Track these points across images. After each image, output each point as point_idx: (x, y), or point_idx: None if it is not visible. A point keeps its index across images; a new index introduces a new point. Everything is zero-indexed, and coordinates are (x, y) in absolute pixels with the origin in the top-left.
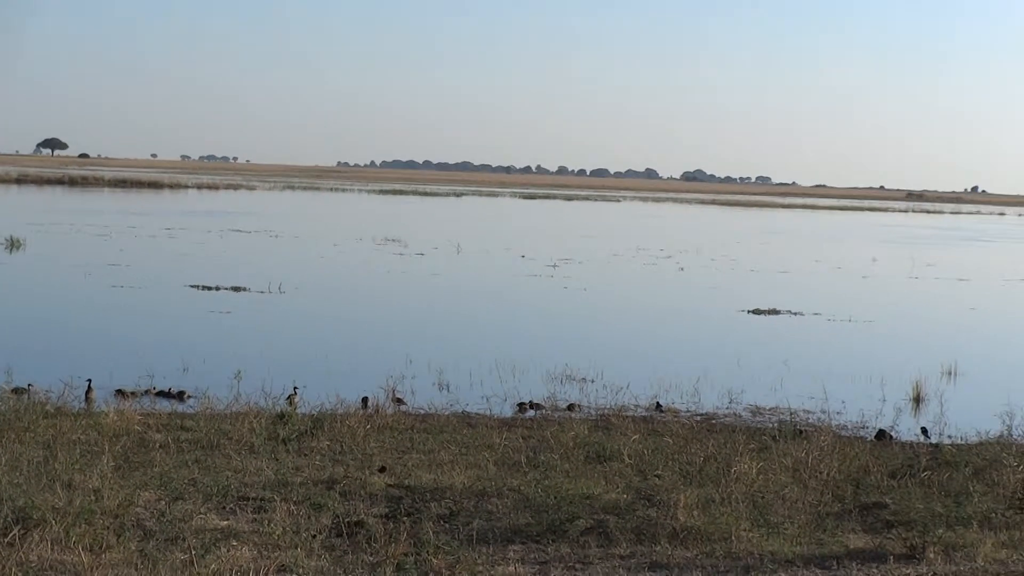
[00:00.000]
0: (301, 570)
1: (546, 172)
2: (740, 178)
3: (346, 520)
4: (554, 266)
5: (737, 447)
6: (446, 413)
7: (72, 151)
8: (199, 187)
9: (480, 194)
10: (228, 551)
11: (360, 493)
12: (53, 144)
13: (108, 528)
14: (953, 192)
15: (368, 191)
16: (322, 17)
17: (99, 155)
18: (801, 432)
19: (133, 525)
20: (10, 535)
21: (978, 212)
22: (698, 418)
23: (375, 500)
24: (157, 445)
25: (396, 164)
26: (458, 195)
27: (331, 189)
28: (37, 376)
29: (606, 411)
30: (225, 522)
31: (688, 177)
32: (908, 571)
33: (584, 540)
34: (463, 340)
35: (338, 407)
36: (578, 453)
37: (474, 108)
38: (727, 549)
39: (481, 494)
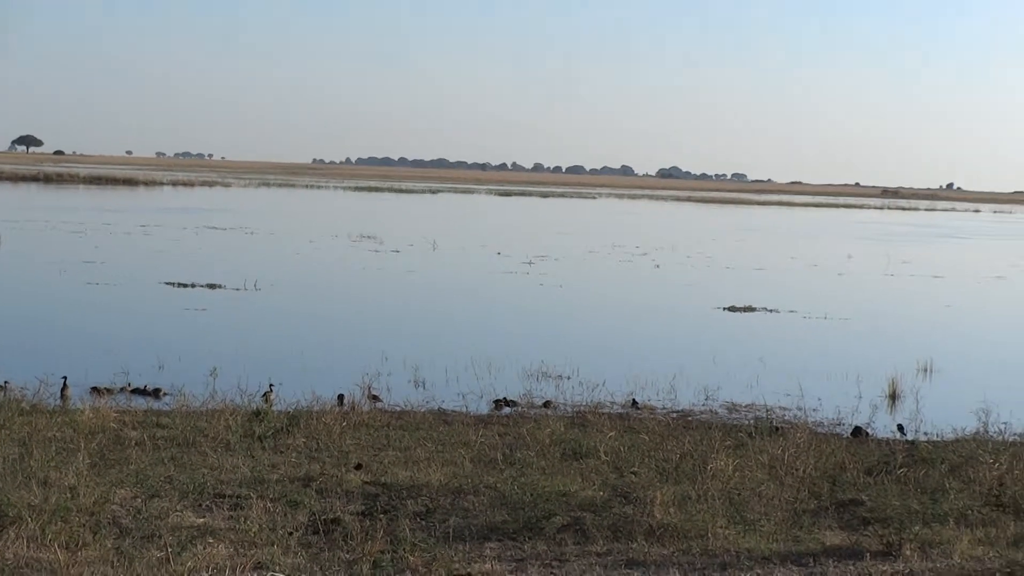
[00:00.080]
0: (277, 567)
1: (522, 169)
2: (715, 175)
3: (322, 517)
4: (530, 263)
5: (713, 444)
6: (422, 410)
7: (47, 148)
8: (174, 184)
9: (456, 191)
10: (204, 548)
11: (336, 490)
12: (28, 141)
13: (84, 526)
14: (928, 189)
15: (343, 188)
16: (298, 14)
17: (74, 152)
18: (777, 429)
19: (109, 522)
20: None
21: (953, 209)
22: (674, 415)
23: (351, 497)
24: (133, 442)
25: (371, 161)
26: (434, 192)
27: (306, 186)
28: (12, 373)
29: (582, 408)
30: (201, 519)
31: (663, 174)
32: (885, 568)
33: (561, 537)
34: (439, 337)
35: (314, 404)
36: (554, 450)
37: (450, 105)
38: (704, 546)
39: (457, 491)
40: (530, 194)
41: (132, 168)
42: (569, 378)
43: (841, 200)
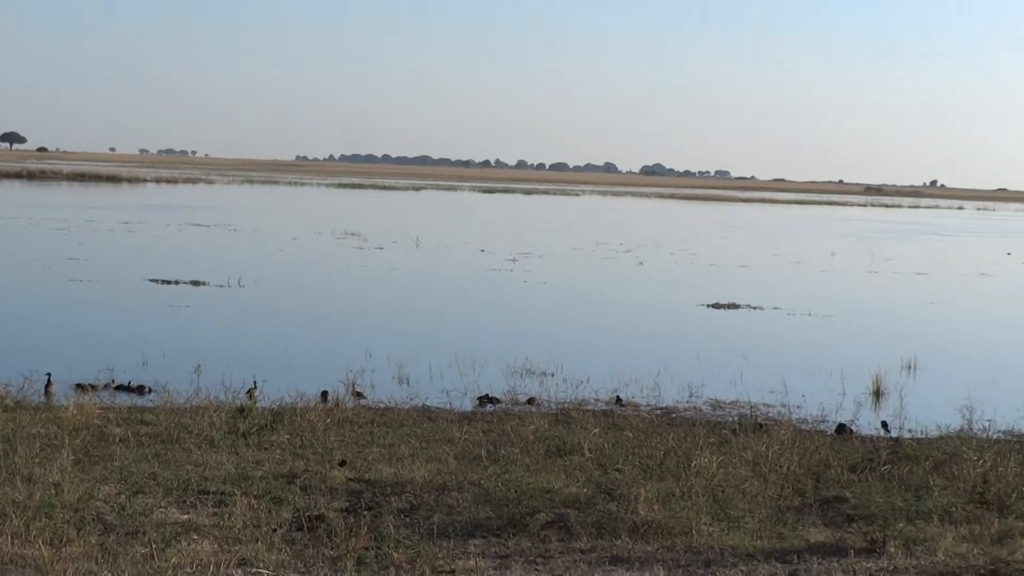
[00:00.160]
0: (262, 564)
1: (505, 166)
2: (699, 172)
3: (307, 514)
4: (514, 260)
5: (697, 441)
6: (406, 407)
7: (30, 145)
8: (157, 181)
9: (439, 188)
10: (188, 545)
11: (320, 487)
12: (11, 138)
13: (68, 522)
14: (912, 186)
15: (327, 185)
16: (281, 11)
17: (57, 149)
18: (761, 426)
19: (93, 519)
20: None
21: (936, 206)
22: (658, 412)
23: (335, 494)
24: (117, 439)
25: (355, 158)
26: (417, 189)
27: (290, 183)
28: None
29: (566, 405)
30: (185, 516)
31: (647, 171)
32: (869, 565)
33: (545, 534)
34: (423, 334)
35: (298, 401)
36: (538, 447)
37: (433, 102)
38: (688, 543)
39: (441, 488)
40: (513, 191)
41: (115, 165)
42: (553, 375)
43: (824, 197)
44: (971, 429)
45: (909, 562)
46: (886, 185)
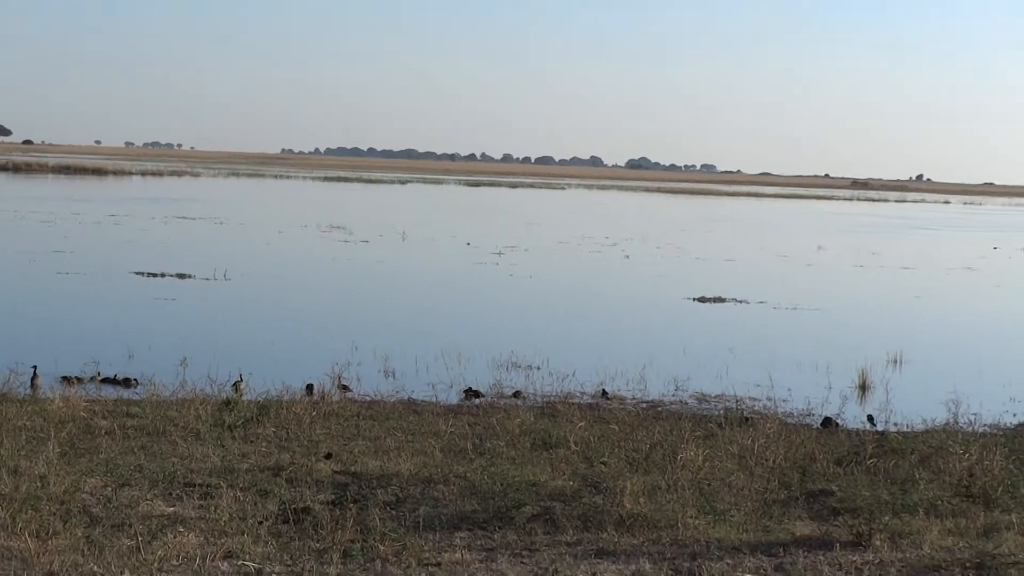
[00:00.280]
0: (247, 556)
1: (491, 159)
2: (685, 166)
3: (292, 507)
4: (499, 254)
5: (683, 434)
6: (392, 400)
7: (15, 137)
8: (143, 174)
9: (425, 181)
10: (174, 537)
11: (306, 480)
12: None
13: (54, 514)
14: (898, 180)
15: (312, 178)
16: (268, 5)
17: (43, 141)
18: (747, 419)
19: (79, 511)
20: None
21: (923, 200)
22: (644, 405)
23: (321, 487)
24: (103, 432)
25: (340, 151)
26: (403, 183)
27: (275, 176)
28: None
29: (552, 398)
30: (171, 508)
31: (633, 165)
32: (854, 558)
33: (530, 527)
34: (409, 327)
35: (284, 394)
36: (524, 440)
37: (419, 96)
38: (673, 536)
39: (427, 481)
40: (499, 185)
41: (101, 158)
42: (539, 368)
43: (811, 191)
44: (957, 423)
45: (895, 555)
46: (872, 179)
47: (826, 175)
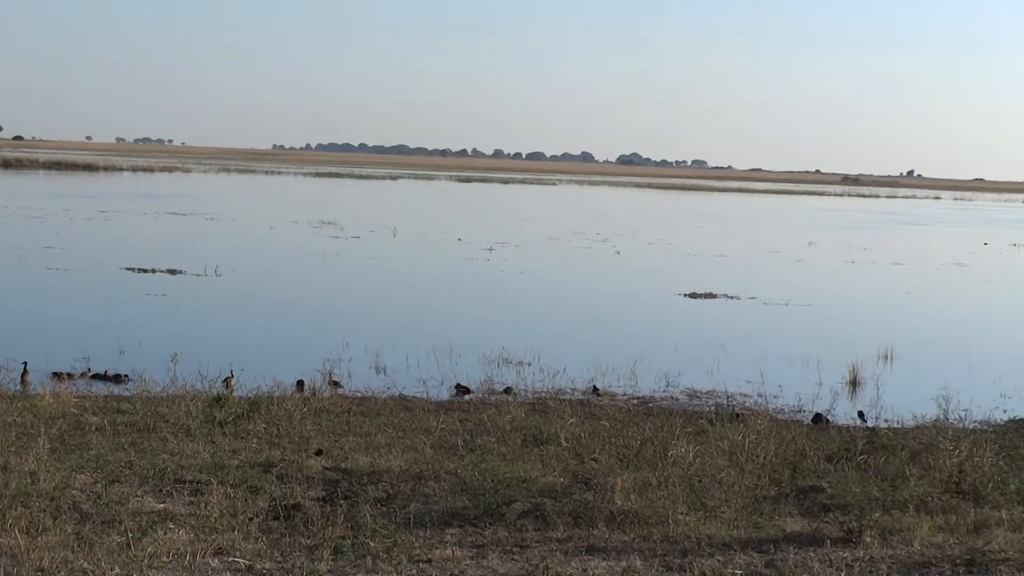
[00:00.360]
0: (238, 553)
1: (482, 155)
2: (676, 161)
3: (283, 503)
4: (490, 249)
5: (674, 430)
6: (383, 396)
7: (6, 133)
8: (134, 169)
9: (416, 177)
10: (165, 534)
11: (297, 476)
12: None
13: (44, 511)
14: (889, 176)
15: (303, 174)
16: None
17: (33, 137)
18: (738, 415)
19: (69, 508)
20: None
21: (914, 196)
22: (635, 401)
23: (312, 483)
24: (93, 428)
25: (331, 147)
26: (394, 178)
27: (267, 172)
28: None
29: (543, 394)
30: (162, 505)
31: (624, 161)
32: (845, 555)
33: (521, 523)
34: (400, 323)
35: (275, 390)
36: (515, 436)
37: (410, 91)
38: (664, 533)
39: (418, 477)
40: (490, 180)
41: (92, 154)
42: (530, 364)
43: (802, 187)
44: (947, 419)
45: (885, 552)
46: (863, 175)
47: (817, 171)
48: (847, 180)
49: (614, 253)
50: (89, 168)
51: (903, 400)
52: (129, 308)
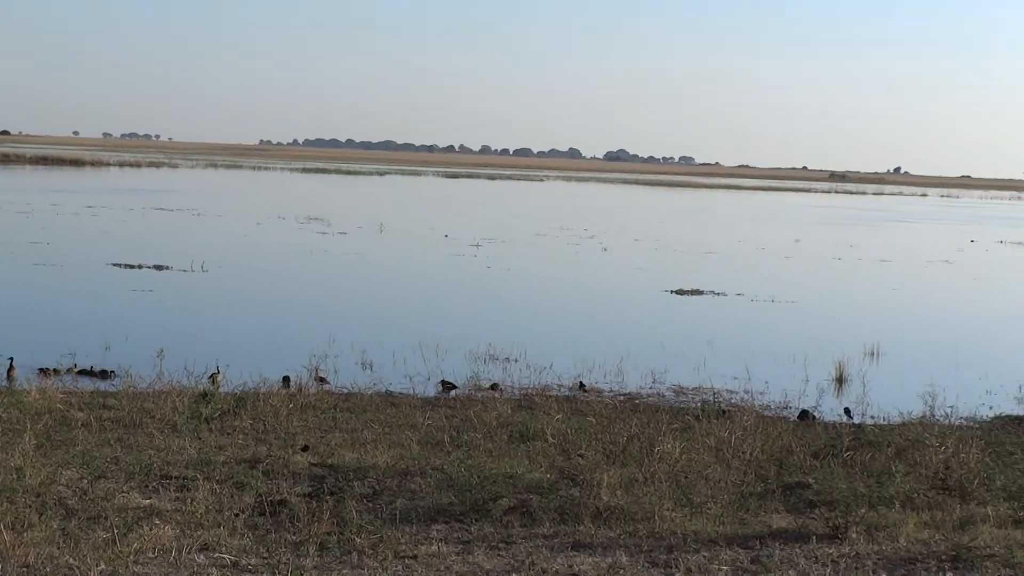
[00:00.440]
0: (224, 549)
1: (469, 151)
2: (663, 158)
3: (269, 499)
4: (477, 246)
5: (660, 427)
6: (369, 392)
7: None
8: (121, 165)
9: (403, 173)
10: (150, 530)
11: (283, 472)
12: None
13: (30, 506)
14: (876, 173)
15: (291, 170)
16: None
17: (20, 132)
18: (724, 412)
19: (55, 503)
20: None
21: (900, 193)
22: (621, 398)
23: (298, 479)
24: (79, 423)
25: (319, 143)
26: (381, 174)
27: (254, 167)
28: None
29: (529, 391)
30: (147, 501)
31: (611, 157)
32: (831, 551)
33: (507, 519)
34: (386, 319)
35: (261, 386)
36: (501, 433)
37: (397, 87)
38: (650, 529)
39: (404, 473)
40: (477, 176)
41: (79, 149)
42: (516, 361)
43: (789, 184)
44: (933, 415)
45: (871, 548)
46: (850, 172)
47: (804, 168)
48: (834, 177)
49: (601, 249)
50: (76, 163)
51: (889, 396)
52: (116, 304)
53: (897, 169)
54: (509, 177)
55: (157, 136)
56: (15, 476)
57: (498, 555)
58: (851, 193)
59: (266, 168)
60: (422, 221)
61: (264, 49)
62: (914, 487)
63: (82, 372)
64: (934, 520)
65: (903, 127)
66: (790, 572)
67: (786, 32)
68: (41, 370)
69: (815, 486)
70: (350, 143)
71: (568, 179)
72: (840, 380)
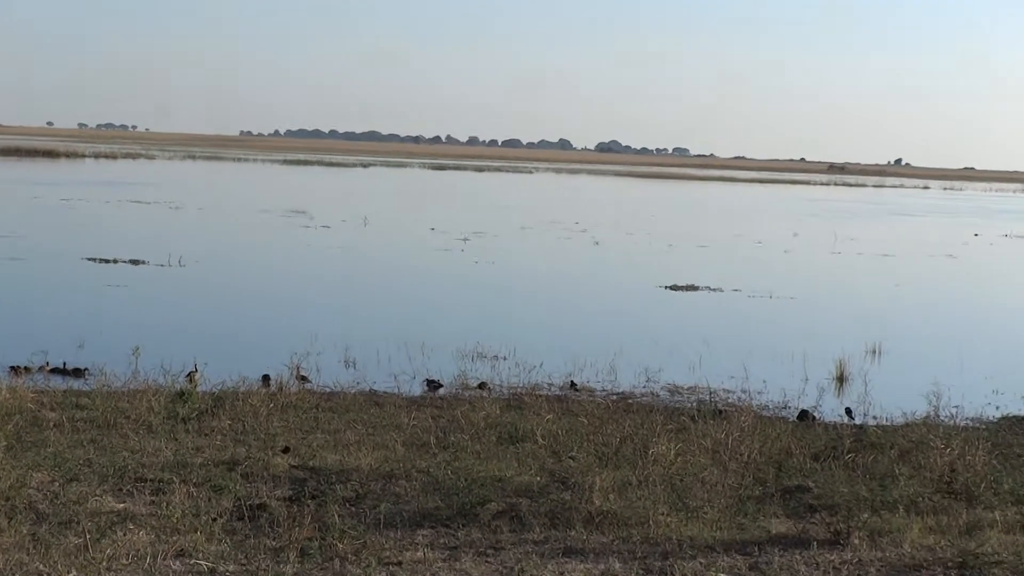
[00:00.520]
0: (201, 555)
1: (456, 142)
2: (656, 149)
3: (248, 503)
4: (465, 240)
5: (655, 428)
6: (352, 392)
7: None
8: (97, 156)
9: (388, 165)
10: (124, 535)
11: (263, 475)
12: None
13: None
14: (876, 165)
15: (272, 161)
16: None
17: None
18: (721, 412)
19: (25, 507)
20: None
21: (902, 186)
22: (614, 397)
23: (278, 482)
24: (51, 424)
25: (301, 133)
26: (365, 166)
27: (234, 159)
28: None
29: (519, 390)
30: (121, 505)
31: (603, 148)
32: (832, 557)
33: (496, 524)
34: (370, 316)
35: (240, 385)
36: (489, 434)
37: (382, 76)
38: (644, 534)
39: (389, 476)
40: (465, 168)
41: (53, 140)
42: (505, 359)
43: (786, 176)
44: (938, 416)
45: (874, 554)
46: (850, 163)
47: (802, 159)
48: (833, 168)
49: (593, 243)
50: (50, 154)
51: (892, 396)
52: (90, 300)
53: (898, 161)
54: (497, 169)
55: (134, 127)
56: None
57: (486, 562)
58: (851, 185)
59: (247, 160)
60: (407, 214)
61: (244, 36)
62: (918, 491)
63: (54, 370)
64: (940, 525)
65: (904, 117)
66: None
67: (783, 18)
68: (12, 368)
69: (816, 489)
70: (333, 134)
71: (559, 171)
72: (841, 379)
